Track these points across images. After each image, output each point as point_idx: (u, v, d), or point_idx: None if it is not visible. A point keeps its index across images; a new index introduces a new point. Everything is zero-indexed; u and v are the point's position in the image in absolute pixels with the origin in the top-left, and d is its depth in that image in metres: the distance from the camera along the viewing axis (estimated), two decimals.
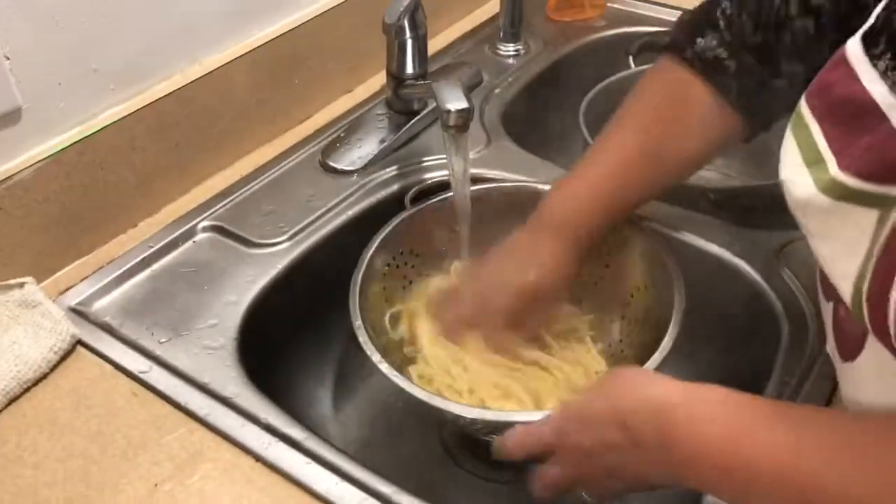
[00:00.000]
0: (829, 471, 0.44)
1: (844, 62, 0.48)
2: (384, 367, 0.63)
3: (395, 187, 0.88)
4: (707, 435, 0.48)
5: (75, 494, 0.59)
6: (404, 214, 0.80)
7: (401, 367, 0.69)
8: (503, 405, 0.69)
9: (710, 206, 0.84)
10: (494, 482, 0.77)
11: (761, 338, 0.72)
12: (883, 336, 0.45)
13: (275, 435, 0.63)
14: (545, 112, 1.07)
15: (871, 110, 0.45)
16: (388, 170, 0.90)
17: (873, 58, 0.46)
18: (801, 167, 0.49)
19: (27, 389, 0.67)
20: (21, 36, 0.70)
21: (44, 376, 0.68)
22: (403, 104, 0.94)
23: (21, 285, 0.73)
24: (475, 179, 0.79)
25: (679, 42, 0.68)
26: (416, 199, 0.82)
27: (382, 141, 0.92)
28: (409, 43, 0.89)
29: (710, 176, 1.07)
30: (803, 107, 0.51)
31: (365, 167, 0.90)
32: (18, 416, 0.65)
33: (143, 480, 0.60)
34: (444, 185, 0.82)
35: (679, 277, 0.70)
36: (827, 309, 0.58)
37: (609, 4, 1.20)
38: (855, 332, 0.53)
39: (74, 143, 0.76)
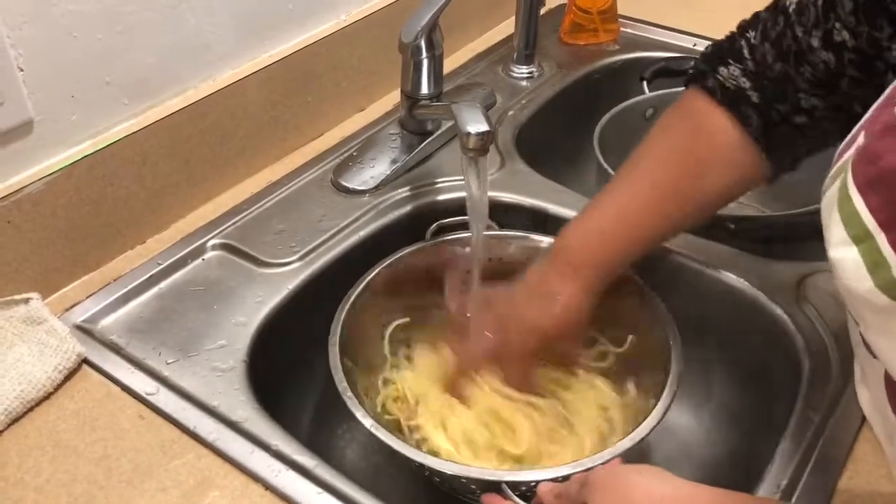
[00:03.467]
0: None
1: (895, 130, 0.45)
2: (346, 394, 0.64)
3: (407, 208, 0.87)
4: None
5: None
6: (419, 245, 0.79)
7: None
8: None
9: (729, 235, 0.83)
10: None
11: (782, 373, 0.70)
12: None
13: (284, 462, 0.61)
14: (559, 135, 1.06)
15: None
16: (400, 190, 0.89)
17: None
18: (849, 246, 0.46)
19: (31, 409, 0.65)
20: (35, 47, 0.69)
21: (48, 396, 0.66)
22: (417, 124, 0.93)
23: (26, 301, 0.72)
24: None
25: (702, 71, 0.67)
26: (437, 233, 0.81)
27: (395, 161, 0.91)
28: (425, 63, 0.88)
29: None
30: (849, 178, 0.48)
31: (377, 187, 0.89)
32: (21, 437, 0.63)
33: None
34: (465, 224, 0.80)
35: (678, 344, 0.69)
36: (873, 365, 0.56)
37: (622, 29, 1.19)
38: None
39: (85, 156, 0.74)
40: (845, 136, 0.55)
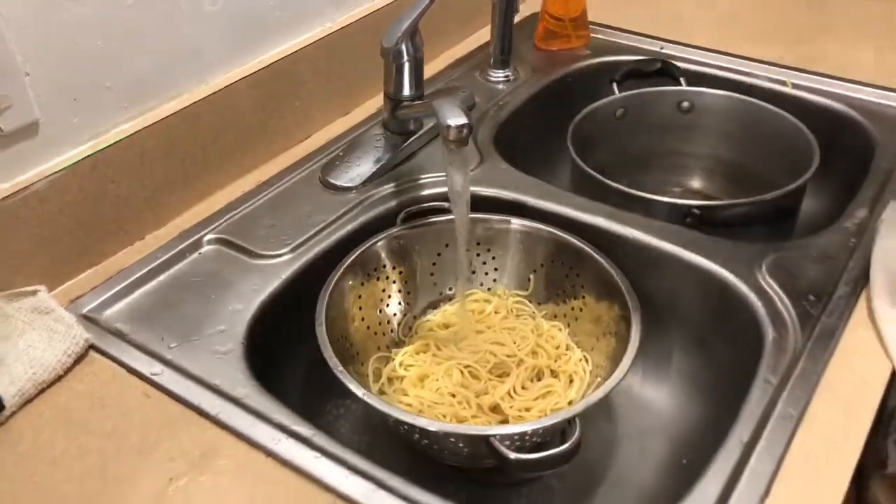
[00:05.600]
0: None
1: None
2: (338, 369, 0.69)
3: (392, 203, 0.92)
4: None
5: (93, 490, 0.61)
6: (391, 231, 0.85)
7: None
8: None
9: (695, 221, 0.88)
10: (498, 484, 0.79)
11: (747, 343, 0.75)
12: None
13: (284, 432, 0.65)
14: (534, 134, 1.12)
15: None
16: (385, 187, 0.94)
17: None
18: None
19: (42, 391, 0.69)
20: (41, 53, 0.73)
21: (58, 379, 0.70)
22: (399, 125, 0.98)
23: (34, 293, 0.76)
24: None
25: None
26: (406, 219, 0.87)
27: (379, 160, 0.96)
28: (407, 66, 0.93)
29: (692, 194, 1.12)
30: None
31: (363, 184, 0.94)
32: (34, 416, 0.67)
33: (158, 476, 0.62)
34: (436, 210, 0.87)
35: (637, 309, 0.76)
36: None
37: (593, 35, 1.25)
38: None
39: (87, 156, 0.79)
40: None
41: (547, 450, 0.64)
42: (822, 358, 0.71)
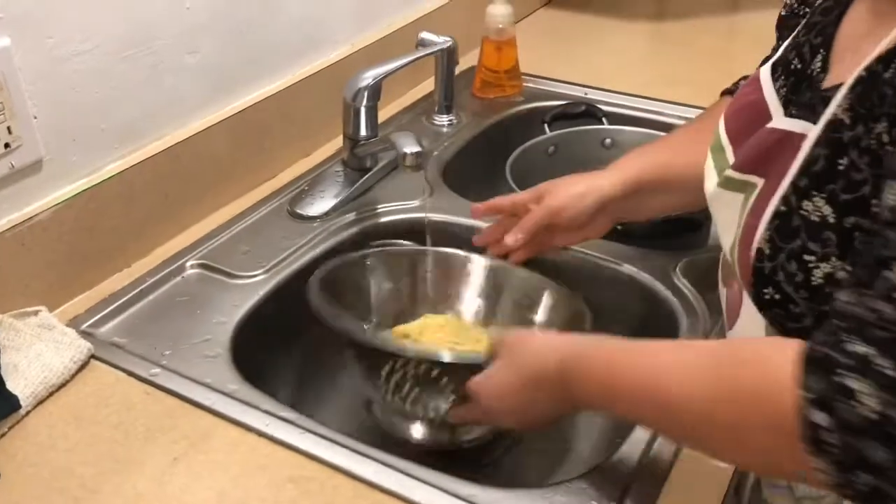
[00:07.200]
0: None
1: (757, 81, 0.69)
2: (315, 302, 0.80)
3: (353, 230, 1.03)
4: (593, 372, 0.65)
5: (106, 469, 0.70)
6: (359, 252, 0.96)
7: None
8: None
9: (619, 235, 1.02)
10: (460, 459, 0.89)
11: (666, 330, 0.88)
12: (746, 283, 0.62)
13: (273, 417, 0.75)
14: (477, 170, 1.25)
15: (763, 112, 0.66)
16: (347, 216, 1.05)
17: (775, 80, 0.67)
18: (712, 169, 0.67)
19: (52, 394, 0.78)
20: (46, 99, 0.83)
21: (65, 383, 0.79)
22: (358, 162, 1.10)
23: (35, 313, 0.84)
24: None
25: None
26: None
27: (341, 193, 1.08)
28: (364, 111, 1.05)
29: None
30: (721, 129, 0.70)
31: (327, 214, 1.05)
32: (46, 414, 0.76)
33: (163, 455, 0.71)
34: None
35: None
36: (723, 294, 0.75)
37: (525, 84, 1.40)
38: (736, 307, 0.69)
39: (84, 190, 0.88)
40: None
41: None
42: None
